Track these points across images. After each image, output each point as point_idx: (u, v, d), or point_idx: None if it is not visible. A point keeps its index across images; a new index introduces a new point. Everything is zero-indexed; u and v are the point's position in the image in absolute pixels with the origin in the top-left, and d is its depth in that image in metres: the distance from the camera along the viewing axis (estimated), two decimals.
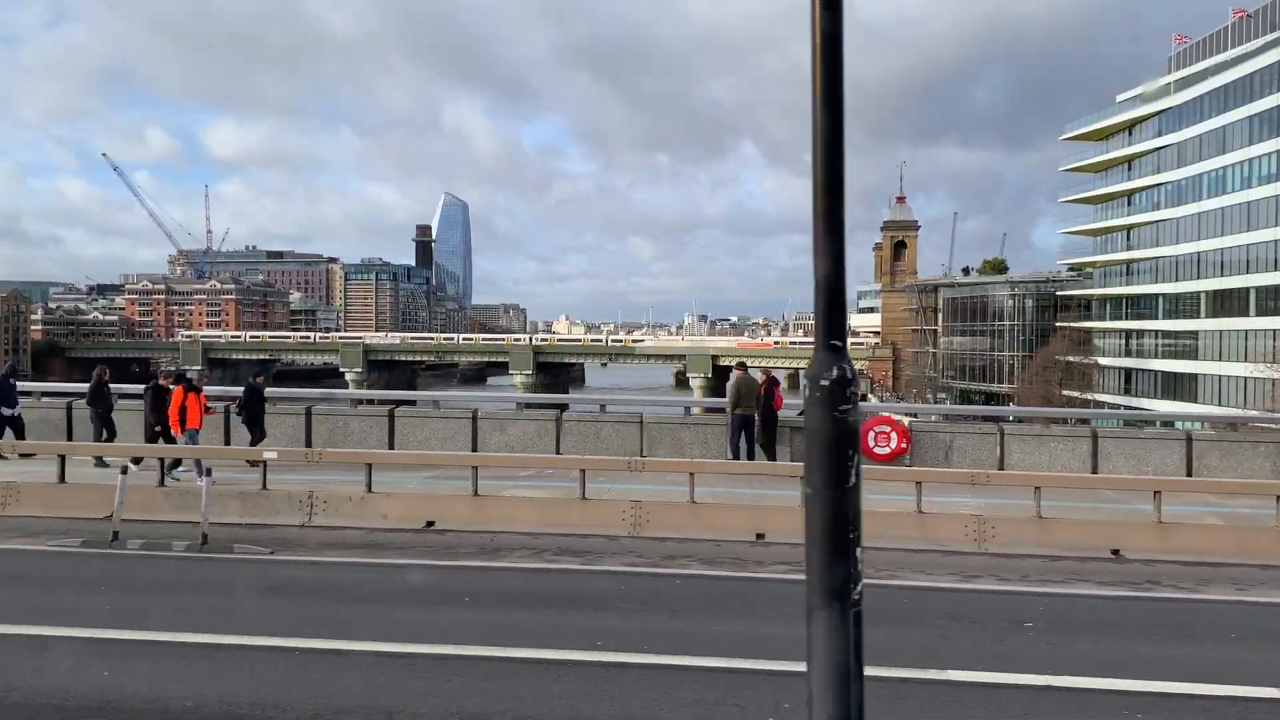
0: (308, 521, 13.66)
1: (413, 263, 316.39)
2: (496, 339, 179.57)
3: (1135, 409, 78.27)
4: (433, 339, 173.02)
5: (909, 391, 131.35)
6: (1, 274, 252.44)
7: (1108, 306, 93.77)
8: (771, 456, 18.15)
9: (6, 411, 18.00)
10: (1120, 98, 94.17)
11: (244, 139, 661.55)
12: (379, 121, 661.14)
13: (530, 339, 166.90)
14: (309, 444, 19.17)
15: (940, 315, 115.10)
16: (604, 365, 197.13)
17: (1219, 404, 73.72)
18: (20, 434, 18.08)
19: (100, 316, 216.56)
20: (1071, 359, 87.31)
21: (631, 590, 10.53)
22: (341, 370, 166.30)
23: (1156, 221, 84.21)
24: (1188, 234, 79.76)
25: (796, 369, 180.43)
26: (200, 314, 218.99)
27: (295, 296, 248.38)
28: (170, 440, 16.32)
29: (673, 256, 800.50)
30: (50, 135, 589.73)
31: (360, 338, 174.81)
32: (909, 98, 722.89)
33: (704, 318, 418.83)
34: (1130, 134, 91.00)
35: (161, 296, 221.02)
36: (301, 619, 8.92)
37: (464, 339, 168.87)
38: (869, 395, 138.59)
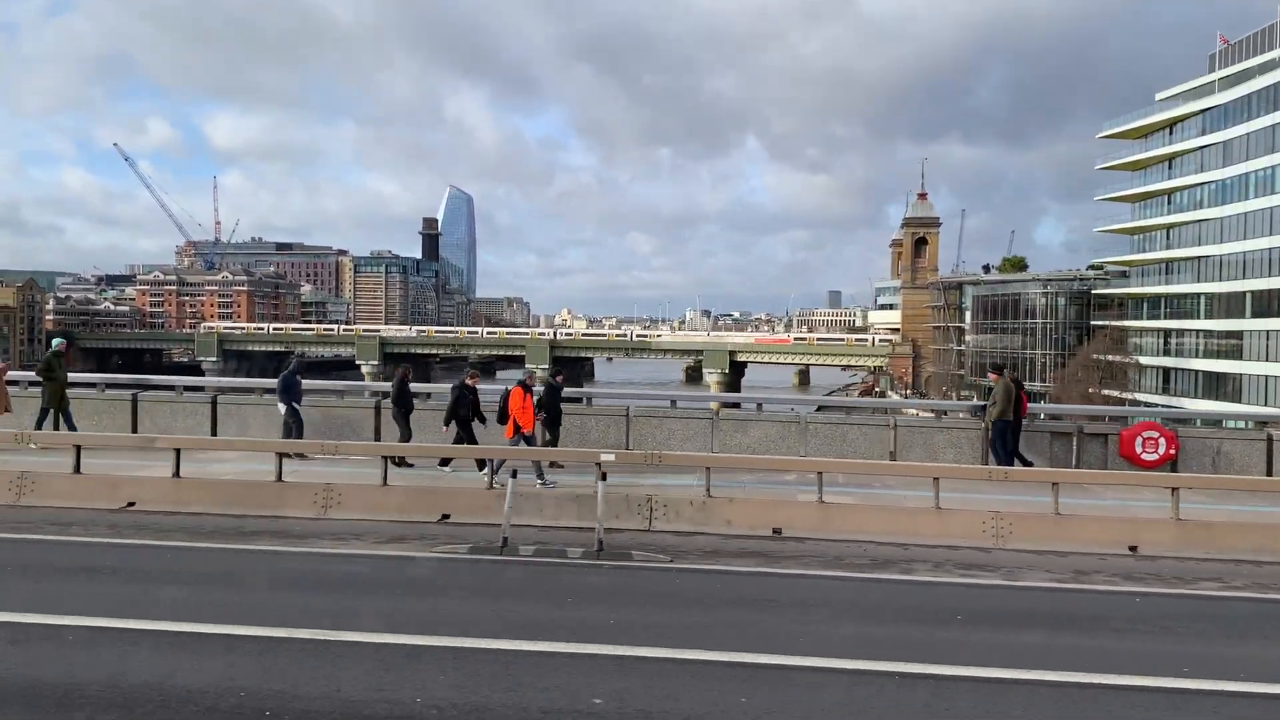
0: (648, 526, 13.13)
1: (418, 255, 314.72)
2: (518, 333, 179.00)
3: (1174, 408, 77.95)
4: (455, 332, 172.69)
5: (931, 388, 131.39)
6: (3, 263, 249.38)
7: (1145, 306, 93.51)
8: (1025, 463, 17.63)
9: (296, 406, 17.40)
10: (1160, 96, 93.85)
11: (245, 130, 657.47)
12: (380, 114, 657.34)
13: (555, 333, 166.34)
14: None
15: (968, 313, 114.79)
16: (609, 360, 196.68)
17: (1265, 404, 73.54)
18: (300, 434, 17.45)
19: (111, 306, 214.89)
20: (1114, 358, 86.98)
21: (1109, 610, 10.02)
22: (358, 363, 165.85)
23: (1200, 220, 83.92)
24: (1233, 233, 79.58)
25: (807, 365, 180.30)
26: (212, 305, 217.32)
27: (306, 289, 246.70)
28: (472, 440, 15.78)
29: (672, 251, 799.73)
30: (51, 125, 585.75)
31: (377, 331, 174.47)
32: (911, 94, 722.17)
33: (707, 313, 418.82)
34: (1171, 132, 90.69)
35: (173, 287, 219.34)
36: (855, 640, 8.39)
37: (488, 333, 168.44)
38: (889, 392, 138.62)
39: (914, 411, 28.70)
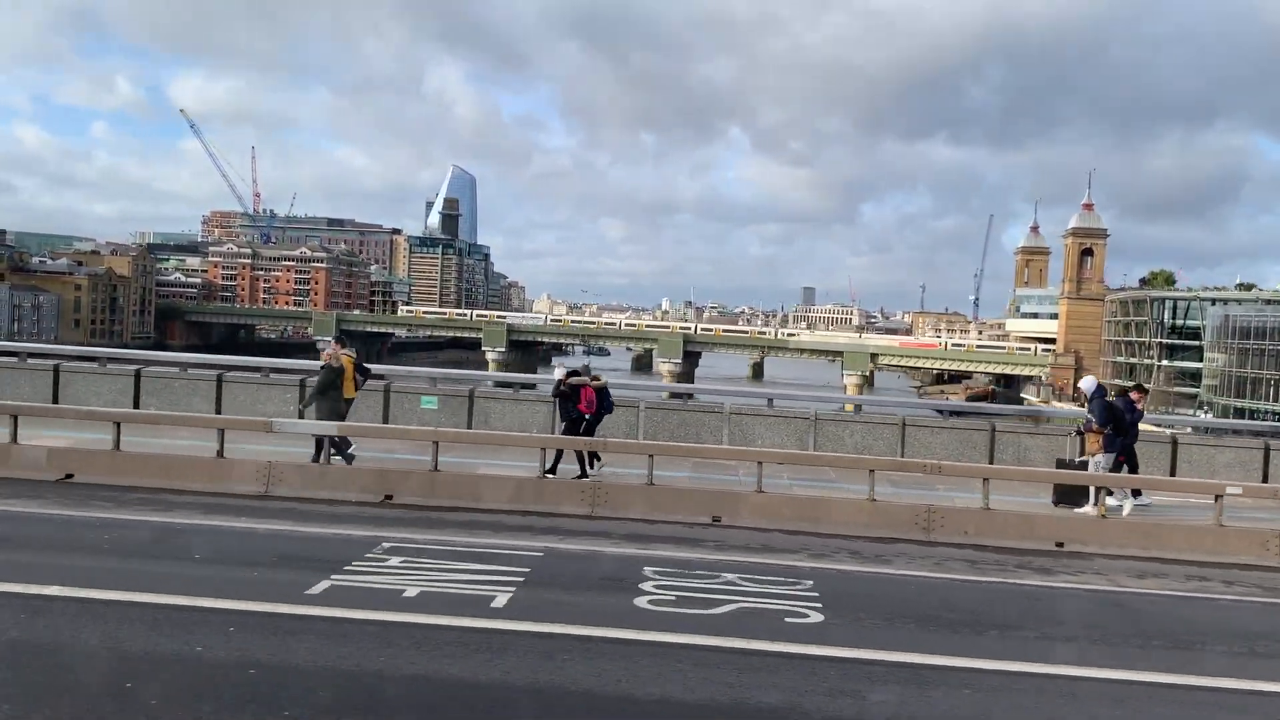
0: None
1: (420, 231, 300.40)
2: (641, 325, 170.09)
3: None
4: (592, 322, 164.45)
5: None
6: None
7: None
8: None
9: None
10: None
11: (211, 92, 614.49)
12: (357, 81, 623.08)
13: (695, 327, 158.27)
14: None
15: (1206, 331, 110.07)
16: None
17: None
18: None
19: (182, 278, 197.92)
20: None
21: None
22: (484, 349, 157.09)
23: None
24: None
25: (954, 371, 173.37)
26: (288, 281, 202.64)
27: (373, 268, 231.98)
28: None
29: (643, 239, 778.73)
30: (12, 77, 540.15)
31: (504, 317, 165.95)
32: (904, 91, 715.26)
33: (693, 305, 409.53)
34: None
35: (247, 261, 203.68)
36: None
37: (626, 324, 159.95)
38: (1052, 401, 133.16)
39: None
